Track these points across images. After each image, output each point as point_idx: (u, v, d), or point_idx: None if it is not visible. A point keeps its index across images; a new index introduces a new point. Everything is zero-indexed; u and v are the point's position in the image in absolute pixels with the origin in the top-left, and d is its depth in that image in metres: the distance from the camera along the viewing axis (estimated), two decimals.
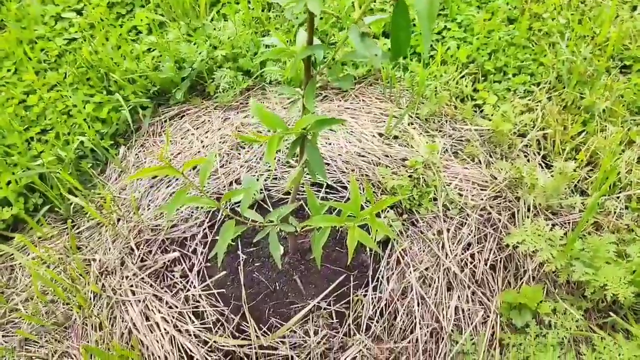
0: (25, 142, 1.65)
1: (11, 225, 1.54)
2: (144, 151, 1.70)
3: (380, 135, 1.56)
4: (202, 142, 1.64)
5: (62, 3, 2.06)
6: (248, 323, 1.18)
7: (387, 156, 1.49)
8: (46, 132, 1.71)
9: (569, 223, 1.43)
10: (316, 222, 1.02)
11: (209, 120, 1.72)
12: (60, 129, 1.68)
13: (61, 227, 1.54)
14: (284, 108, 1.70)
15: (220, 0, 2.05)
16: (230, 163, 1.53)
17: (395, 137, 1.58)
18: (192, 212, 1.44)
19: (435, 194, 1.42)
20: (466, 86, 1.76)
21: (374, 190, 1.40)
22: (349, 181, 1.43)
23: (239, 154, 1.56)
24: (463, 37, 1.87)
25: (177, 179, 1.54)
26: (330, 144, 1.53)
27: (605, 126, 1.63)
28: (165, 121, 1.79)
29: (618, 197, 1.48)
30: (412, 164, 1.42)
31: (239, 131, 1.63)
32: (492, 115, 1.64)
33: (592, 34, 1.90)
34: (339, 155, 1.50)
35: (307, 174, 1.34)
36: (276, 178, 1.48)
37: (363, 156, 1.49)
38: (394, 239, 1.31)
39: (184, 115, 1.80)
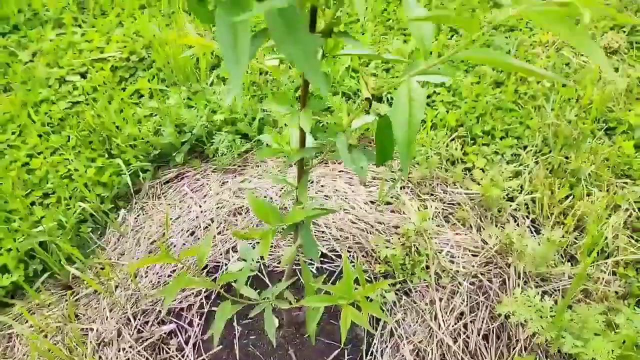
0: (27, 207, 1.69)
1: (11, 291, 1.56)
2: (143, 214, 1.74)
3: (372, 202, 1.60)
4: (200, 206, 1.68)
5: (66, 66, 2.14)
6: None
7: (380, 223, 1.53)
8: (48, 196, 1.75)
9: (558, 290, 1.46)
10: (310, 302, 1.05)
11: (207, 184, 1.77)
12: (61, 193, 1.72)
13: (60, 293, 1.56)
14: (280, 172, 1.75)
15: (219, 64, 2.14)
16: (227, 230, 1.57)
17: (388, 203, 1.62)
18: None
19: (427, 261, 1.45)
20: (456, 149, 1.82)
21: (368, 259, 1.43)
22: (342, 248, 1.47)
23: (236, 220, 1.59)
24: (452, 101, 1.94)
25: (174, 246, 1.57)
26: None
27: (592, 190, 1.68)
28: (166, 183, 1.84)
29: (606, 263, 1.52)
30: (404, 231, 1.46)
31: (236, 196, 1.67)
32: (481, 179, 1.70)
33: (576, 97, 1.98)
34: (333, 222, 1.54)
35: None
36: (272, 246, 1.51)
37: (356, 223, 1.53)
38: (389, 309, 1.33)
39: (183, 178, 1.84)
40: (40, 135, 1.93)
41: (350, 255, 1.44)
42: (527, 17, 0.55)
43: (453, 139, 1.86)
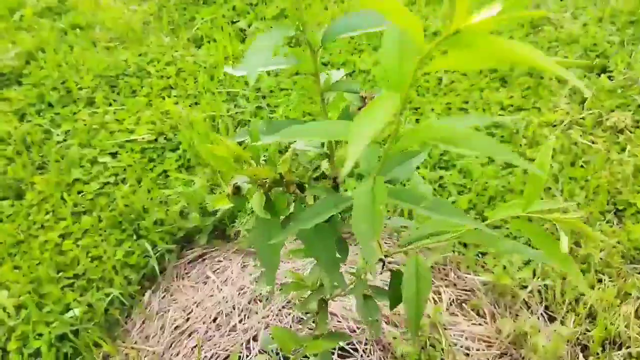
0: (59, 290, 1.78)
1: None
2: (168, 296, 1.82)
3: None
4: (221, 290, 1.76)
5: (98, 147, 2.28)
6: None
7: (395, 314, 1.59)
8: (78, 278, 1.84)
9: None
10: None
11: (228, 266, 1.85)
12: (91, 275, 1.82)
13: None
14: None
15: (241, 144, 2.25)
16: (248, 318, 1.63)
17: None
18: None
19: (442, 355, 1.49)
20: None
21: (384, 353, 1.48)
22: (359, 342, 1.52)
23: (257, 308, 1.66)
24: (463, 184, 2.02)
25: (197, 332, 1.64)
26: (342, 300, 1.64)
27: (602, 277, 1.72)
28: (189, 263, 1.93)
29: (619, 354, 1.54)
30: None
31: (256, 282, 1.75)
32: (494, 266, 1.75)
33: (585, 177, 2.04)
34: (349, 311, 1.60)
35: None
36: None
37: None
38: None
39: (205, 259, 1.93)
40: (72, 215, 2.04)
41: (367, 350, 1.49)
42: (518, 232, 0.64)
43: None
